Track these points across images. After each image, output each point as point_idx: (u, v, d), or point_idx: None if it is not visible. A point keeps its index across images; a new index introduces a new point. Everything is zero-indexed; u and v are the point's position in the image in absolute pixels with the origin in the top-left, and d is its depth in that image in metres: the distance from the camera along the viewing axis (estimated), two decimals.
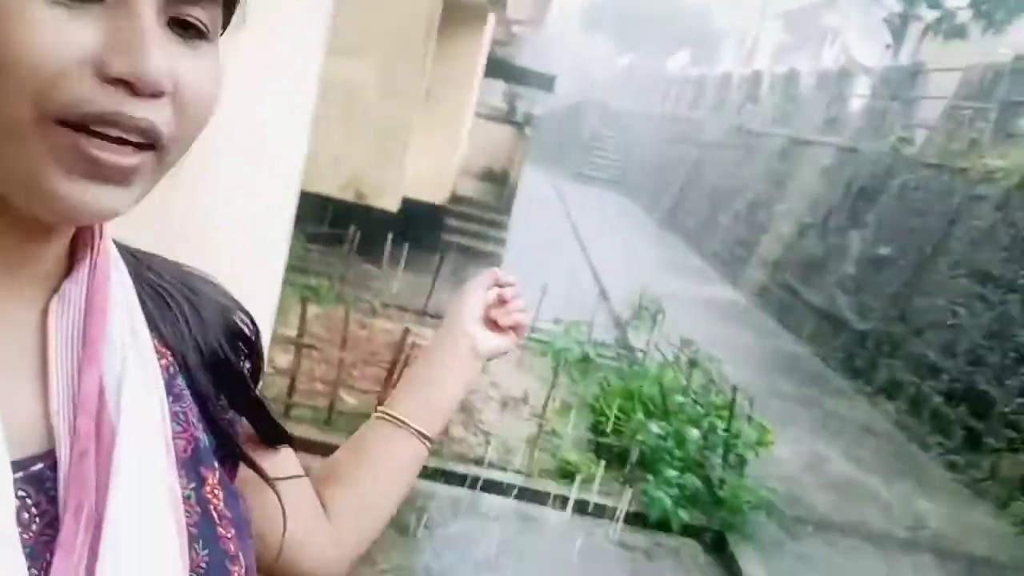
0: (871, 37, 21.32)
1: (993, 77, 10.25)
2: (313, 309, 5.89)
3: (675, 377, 6.38)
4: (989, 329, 7.76)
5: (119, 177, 0.48)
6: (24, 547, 0.47)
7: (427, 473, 4.76)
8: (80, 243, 0.57)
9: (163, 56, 0.47)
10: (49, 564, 0.48)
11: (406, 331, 5.15)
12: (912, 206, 10.22)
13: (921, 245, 9.56)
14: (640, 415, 5.67)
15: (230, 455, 0.67)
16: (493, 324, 0.95)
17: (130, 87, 0.46)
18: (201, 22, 0.50)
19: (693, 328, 8.19)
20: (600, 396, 6.26)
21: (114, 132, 0.46)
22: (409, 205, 9.64)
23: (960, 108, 10.73)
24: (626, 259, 14.26)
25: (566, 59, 36.69)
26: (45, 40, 0.44)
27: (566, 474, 5.21)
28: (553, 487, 5.10)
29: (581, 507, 4.99)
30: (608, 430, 5.66)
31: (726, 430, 5.50)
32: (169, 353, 0.62)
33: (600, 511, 5.01)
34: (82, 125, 0.46)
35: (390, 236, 8.24)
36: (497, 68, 14.86)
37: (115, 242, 0.61)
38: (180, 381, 0.62)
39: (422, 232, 9.97)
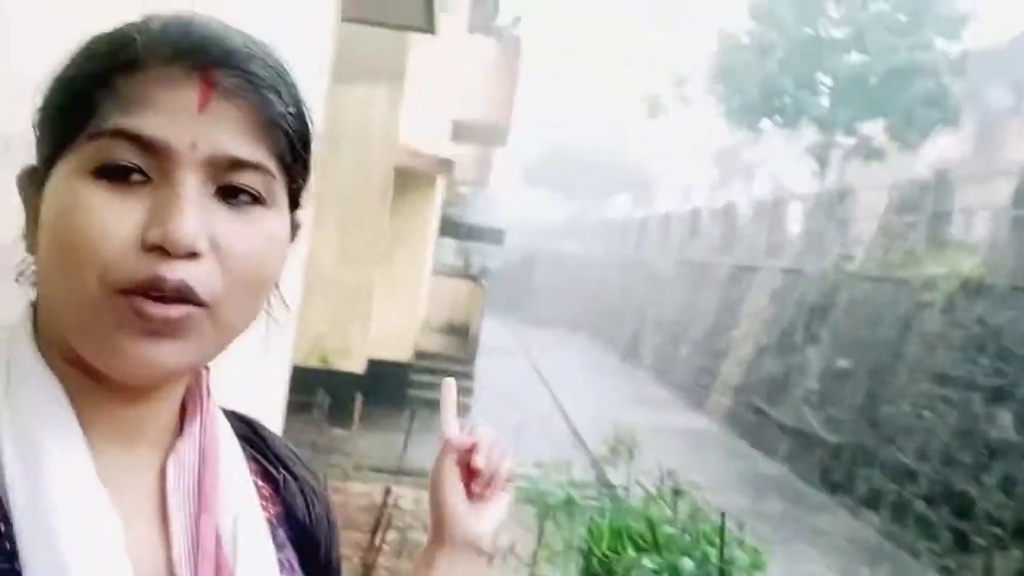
0: (798, 165, 22.65)
1: (919, 192, 10.96)
2: None
3: (661, 509, 6.31)
4: (957, 428, 7.91)
5: (169, 330, 0.52)
6: None
7: None
8: (189, 405, 0.63)
9: (195, 220, 0.51)
10: None
11: (387, 490, 5.08)
12: (862, 318, 10.59)
13: (878, 355, 9.84)
14: (631, 552, 5.57)
15: None
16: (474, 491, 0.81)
17: (164, 251, 0.50)
18: (252, 188, 0.54)
19: (669, 458, 8.14)
20: (588, 538, 6.15)
21: (155, 293, 0.51)
22: (375, 365, 9.68)
23: (892, 223, 11.37)
24: (594, 397, 14.32)
25: (513, 213, 38.01)
26: (98, 223, 0.51)
27: None
28: None
29: None
30: (601, 572, 5.54)
31: (719, 557, 5.42)
32: (271, 506, 0.68)
33: None
34: (134, 292, 0.51)
35: (359, 397, 8.22)
36: (449, 227, 15.36)
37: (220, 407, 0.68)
38: (283, 532, 0.68)
39: (389, 390, 9.97)
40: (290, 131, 0.56)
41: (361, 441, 8.09)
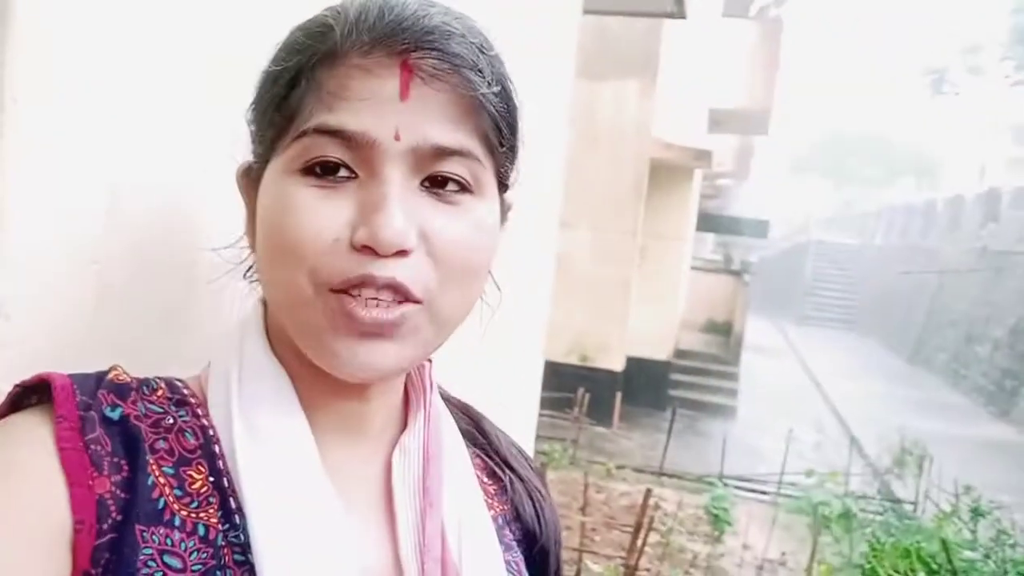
0: None
1: None
2: (549, 474, 5.85)
3: (959, 530, 5.59)
4: None
5: (382, 332, 0.52)
6: None
7: None
8: (412, 397, 0.64)
9: (402, 217, 0.50)
10: None
11: (648, 492, 4.94)
12: None
13: None
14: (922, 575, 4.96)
15: None
16: None
17: (372, 251, 0.50)
18: (458, 176, 0.53)
19: (966, 473, 7.23)
20: (870, 555, 5.58)
21: (367, 293, 0.51)
22: (633, 363, 9.58)
23: None
24: (874, 402, 13.13)
25: (777, 203, 36.22)
26: (307, 223, 0.51)
27: None
28: None
29: None
30: None
31: None
32: (497, 505, 0.68)
33: None
34: (345, 291, 0.51)
35: (618, 396, 8.16)
36: (708, 221, 14.91)
37: (441, 393, 0.67)
38: (509, 533, 0.67)
39: (648, 389, 9.82)
40: (494, 111, 0.54)
41: (622, 440, 8.03)
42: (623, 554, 4.88)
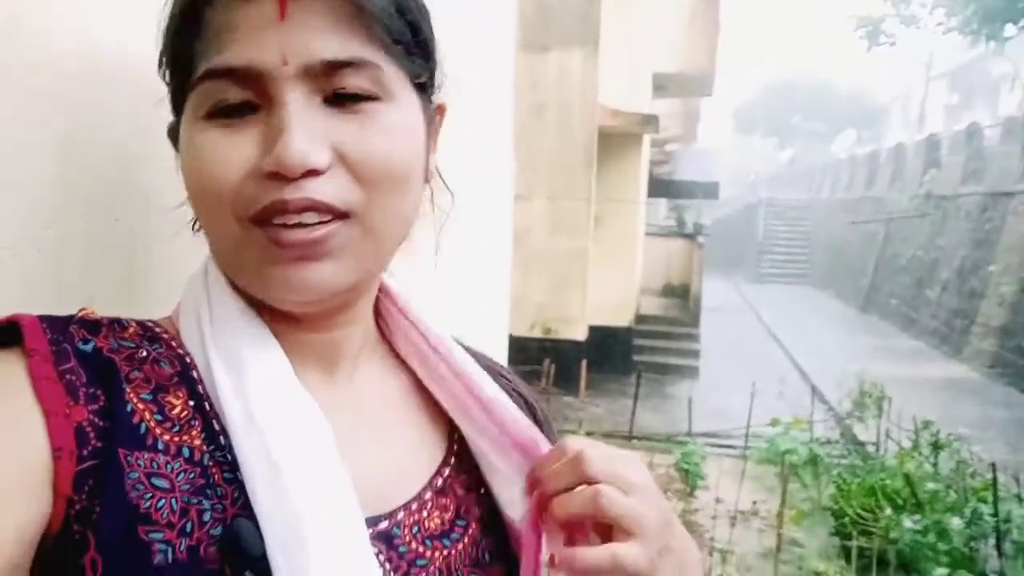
0: None
1: None
2: None
3: (920, 464, 5.78)
4: None
5: (312, 253, 0.52)
6: None
7: None
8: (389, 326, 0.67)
9: (304, 137, 0.49)
10: None
11: None
12: None
13: None
14: (888, 511, 5.13)
15: None
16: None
17: (282, 176, 0.50)
18: (358, 88, 0.52)
19: (925, 411, 7.46)
20: (838, 496, 5.75)
21: (285, 219, 0.50)
22: (596, 332, 9.66)
23: None
24: (832, 351, 13.43)
25: (725, 164, 36.59)
26: (217, 160, 0.51)
27: None
28: None
29: None
30: (855, 532, 5.15)
31: (993, 514, 4.85)
32: None
33: None
34: (266, 220, 0.51)
35: (584, 364, 8.24)
36: (660, 186, 15.01)
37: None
38: None
39: (613, 356, 9.92)
40: (382, 11, 0.52)
41: (591, 408, 8.12)
42: None
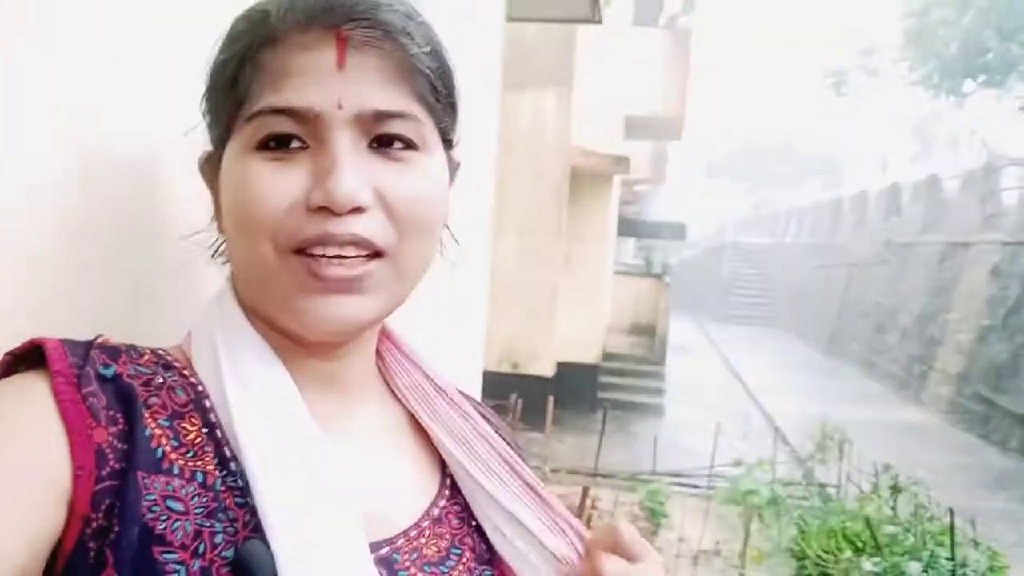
0: (1011, 127, 20.48)
1: None
2: None
3: (879, 507, 5.84)
4: None
5: (347, 288, 0.55)
6: None
7: None
8: (388, 363, 0.69)
9: (353, 176, 0.54)
10: None
11: (585, 491, 5.02)
12: None
13: None
14: (848, 553, 5.17)
15: None
16: None
17: (329, 211, 0.54)
18: (402, 135, 0.57)
19: (885, 455, 7.55)
20: (799, 538, 5.79)
21: (329, 251, 0.54)
22: (563, 368, 9.68)
23: None
24: (795, 393, 13.58)
25: (693, 207, 37.10)
26: (266, 190, 0.54)
27: None
28: None
29: None
30: (815, 574, 5.18)
31: (949, 558, 4.92)
32: None
33: None
34: (306, 251, 0.54)
35: (550, 400, 8.24)
36: (628, 225, 15.18)
37: None
38: None
39: (579, 393, 9.95)
40: (428, 71, 0.57)
41: (556, 444, 8.11)
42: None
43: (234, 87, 0.56)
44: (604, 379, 11.24)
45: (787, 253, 28.48)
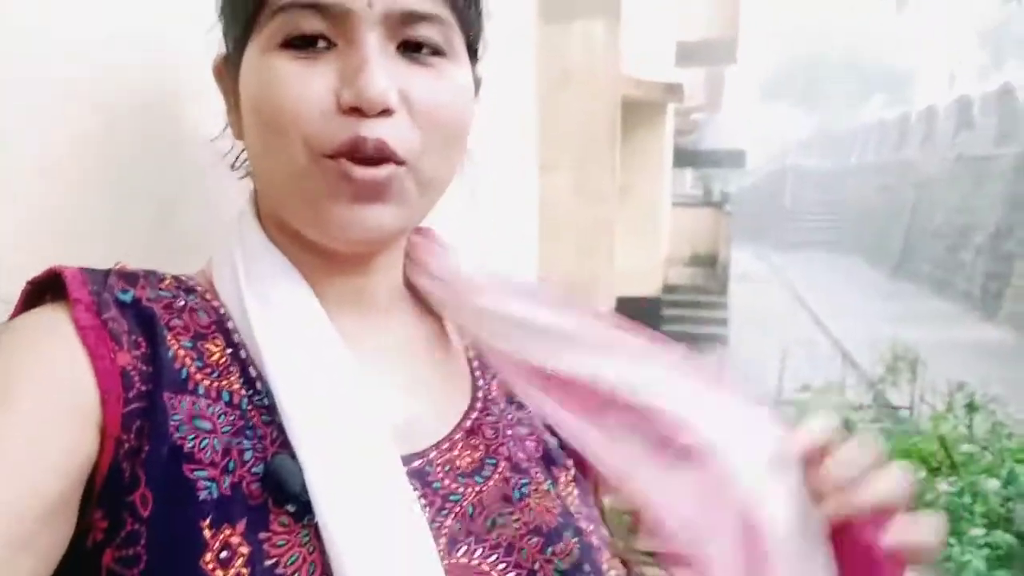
0: None
1: None
2: None
3: (955, 426, 5.74)
4: None
5: (373, 195, 0.54)
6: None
7: None
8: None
9: (384, 77, 0.52)
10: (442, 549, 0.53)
11: None
12: None
13: None
14: (923, 474, 5.10)
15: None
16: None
17: (359, 111, 0.52)
18: (430, 40, 0.55)
19: (959, 374, 7.39)
20: None
21: (359, 155, 0.52)
22: (623, 302, 9.65)
23: None
24: (863, 317, 13.32)
25: (752, 132, 36.16)
26: (295, 91, 0.53)
27: None
28: None
29: None
30: None
31: None
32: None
33: None
34: (340, 154, 0.53)
35: None
36: (685, 155, 14.90)
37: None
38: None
39: (641, 325, 9.94)
40: None
41: None
42: None
43: None
44: (666, 311, 11.18)
45: (851, 174, 27.63)
